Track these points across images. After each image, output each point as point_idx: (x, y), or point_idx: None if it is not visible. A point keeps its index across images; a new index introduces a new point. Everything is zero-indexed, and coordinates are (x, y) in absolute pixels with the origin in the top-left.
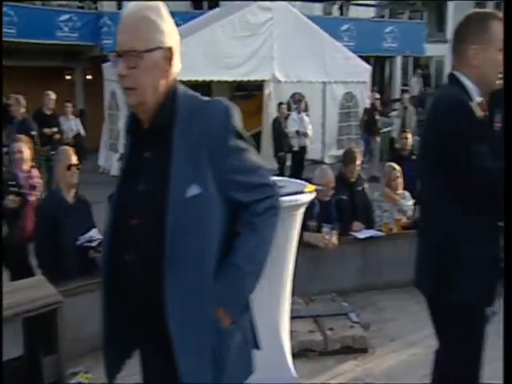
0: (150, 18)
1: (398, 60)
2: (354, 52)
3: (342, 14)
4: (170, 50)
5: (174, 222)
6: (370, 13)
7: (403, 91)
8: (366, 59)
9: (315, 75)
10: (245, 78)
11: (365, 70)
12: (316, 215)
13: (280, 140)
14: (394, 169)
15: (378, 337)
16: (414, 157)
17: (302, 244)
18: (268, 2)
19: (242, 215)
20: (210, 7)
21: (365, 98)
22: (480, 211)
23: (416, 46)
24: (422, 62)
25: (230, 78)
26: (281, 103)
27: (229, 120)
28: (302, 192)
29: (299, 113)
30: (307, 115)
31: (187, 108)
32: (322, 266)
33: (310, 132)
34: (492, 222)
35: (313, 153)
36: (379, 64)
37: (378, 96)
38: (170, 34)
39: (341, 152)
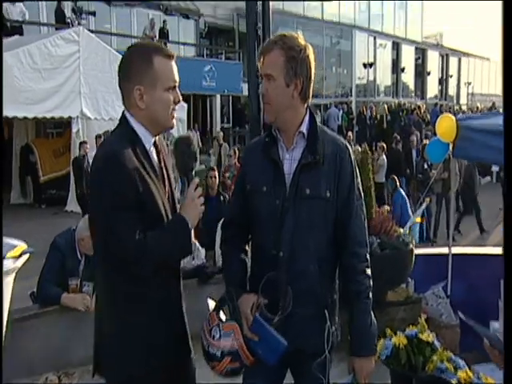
0: None
1: (218, 98)
2: None
3: None
4: None
5: None
6: (189, 51)
7: (222, 129)
8: (186, 97)
9: None
10: (48, 115)
11: (181, 108)
12: (81, 272)
13: (81, 181)
14: None
15: None
16: (222, 197)
17: (61, 308)
18: (73, 33)
19: None
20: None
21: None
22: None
23: (233, 85)
24: (242, 101)
25: (30, 115)
26: (83, 142)
27: None
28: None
29: None
30: None
31: None
32: (84, 332)
33: None
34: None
35: None
36: (200, 102)
37: (192, 134)
38: None
39: None
